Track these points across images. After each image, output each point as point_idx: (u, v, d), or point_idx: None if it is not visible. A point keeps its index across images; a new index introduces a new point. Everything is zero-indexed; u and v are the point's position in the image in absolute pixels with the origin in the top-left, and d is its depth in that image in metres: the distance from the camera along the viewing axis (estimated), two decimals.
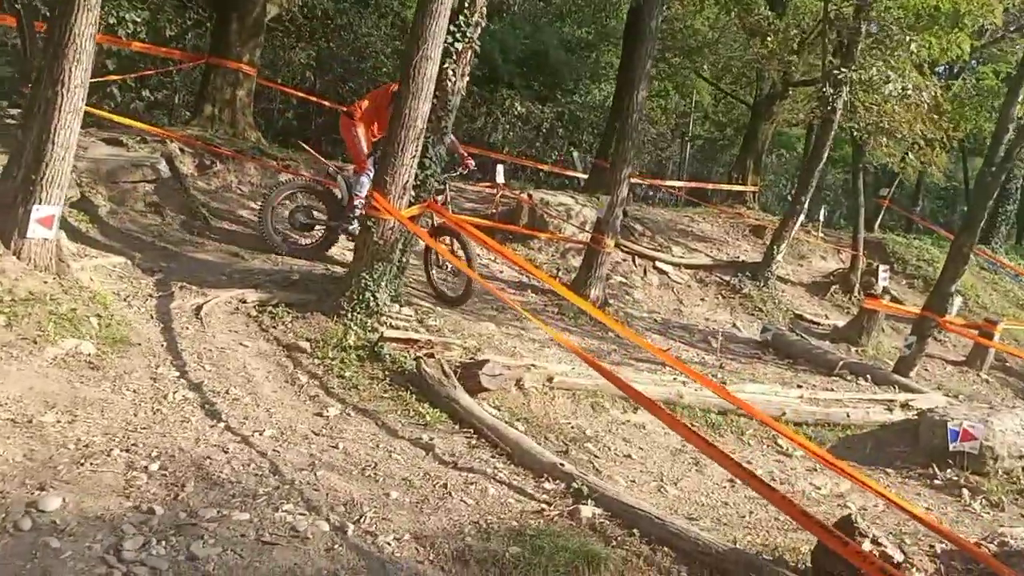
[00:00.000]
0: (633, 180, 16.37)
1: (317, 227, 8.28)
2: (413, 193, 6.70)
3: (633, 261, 12.06)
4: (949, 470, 6.86)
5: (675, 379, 7.40)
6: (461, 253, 7.61)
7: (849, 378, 9.12)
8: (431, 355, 6.14)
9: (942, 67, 19.53)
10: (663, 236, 13.92)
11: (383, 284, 6.61)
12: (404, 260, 6.95)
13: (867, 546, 3.55)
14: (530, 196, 11.36)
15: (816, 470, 6.66)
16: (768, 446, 7.10)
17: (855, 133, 12.70)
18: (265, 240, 8.01)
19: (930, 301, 9.50)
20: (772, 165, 25.25)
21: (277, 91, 14.79)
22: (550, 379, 6.63)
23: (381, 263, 6.56)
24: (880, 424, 7.70)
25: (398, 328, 6.54)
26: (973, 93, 15.97)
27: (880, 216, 19.97)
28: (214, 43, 11.59)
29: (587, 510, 4.19)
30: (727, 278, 12.50)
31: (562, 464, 4.67)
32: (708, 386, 5.13)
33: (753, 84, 20.62)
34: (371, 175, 7.67)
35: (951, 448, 6.85)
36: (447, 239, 7.84)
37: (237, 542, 3.30)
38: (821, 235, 18.08)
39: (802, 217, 12.90)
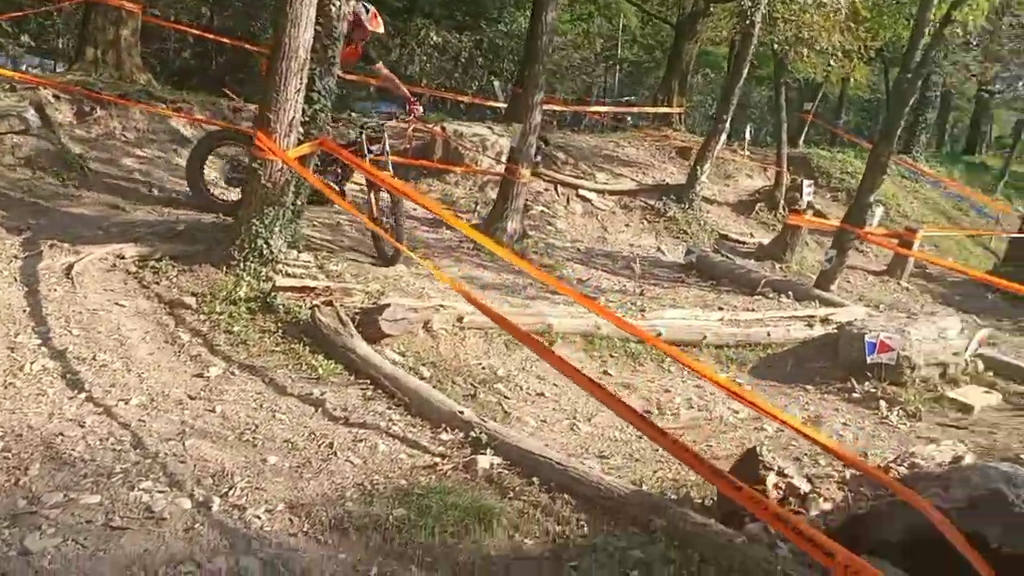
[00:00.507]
0: (556, 107, 15.99)
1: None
2: (302, 130, 6.22)
3: (555, 190, 11.73)
4: (867, 382, 6.83)
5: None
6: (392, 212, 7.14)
7: (771, 296, 9.03)
8: (329, 303, 5.79)
9: None
10: (587, 163, 13.59)
11: (276, 230, 6.16)
12: (299, 203, 6.50)
13: (772, 479, 3.38)
14: (443, 128, 10.87)
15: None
16: (691, 372, 6.97)
17: (775, 46, 12.43)
18: (192, 194, 7.46)
19: (849, 213, 9.42)
20: (698, 86, 24.92)
21: (172, 30, 13.85)
22: (460, 319, 6.34)
23: (272, 207, 6.10)
24: (801, 341, 7.63)
25: (294, 276, 6.14)
26: (892, 0, 15.77)
27: (805, 131, 19.94)
28: None
29: (484, 460, 3.93)
30: (652, 202, 12.27)
31: (462, 412, 4.39)
32: (609, 319, 4.87)
33: (677, 3, 20.15)
34: None
35: (869, 360, 6.81)
36: (383, 194, 7.19)
37: (81, 530, 2.96)
38: (747, 153, 17.95)
39: (724, 136, 12.68)
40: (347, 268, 6.76)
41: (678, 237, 11.69)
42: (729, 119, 12.28)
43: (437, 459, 3.96)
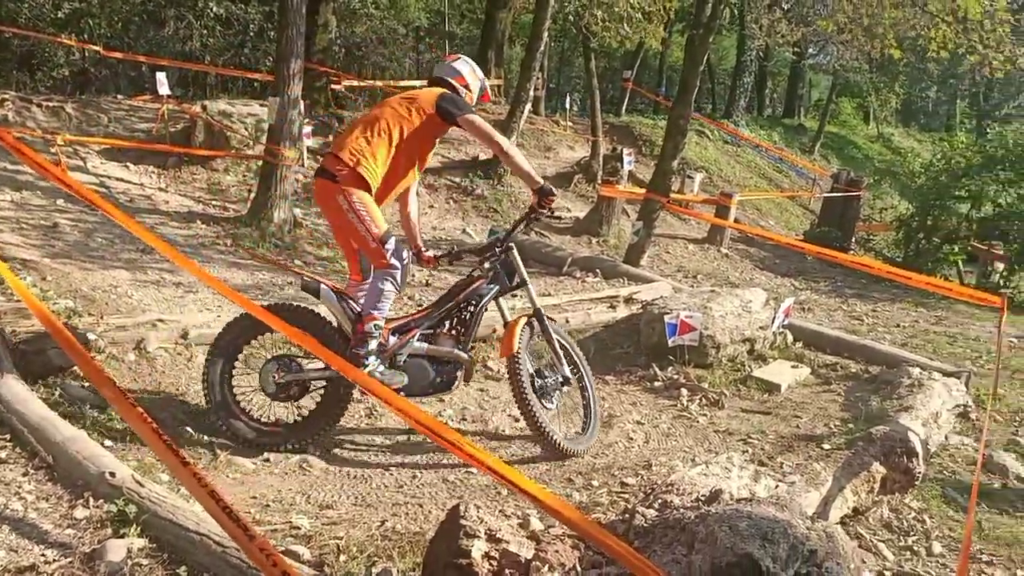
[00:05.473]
0: (353, 82, 14.77)
1: (312, 387, 4.39)
2: None
3: None
4: (671, 368, 6.18)
5: None
6: None
7: (578, 275, 8.32)
8: None
9: None
10: None
11: None
12: None
13: (480, 548, 2.48)
14: (204, 107, 9.47)
15: None
16: (477, 370, 6.09)
17: (573, 5, 11.72)
18: (221, 428, 4.23)
19: (654, 181, 8.79)
20: (519, 57, 24.27)
21: None
22: (185, 335, 5.21)
23: None
24: (604, 325, 6.92)
25: None
26: None
27: (626, 99, 19.60)
28: None
29: (118, 549, 2.83)
30: (458, 180, 11.36)
31: (112, 473, 3.26)
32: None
33: None
34: (399, 272, 4.26)
35: (670, 343, 6.14)
36: None
37: None
38: (570, 124, 17.41)
39: (528, 106, 11.89)
40: (51, 281, 5.45)
41: (487, 216, 10.84)
42: (531, 88, 11.49)
43: (44, 555, 2.83)
